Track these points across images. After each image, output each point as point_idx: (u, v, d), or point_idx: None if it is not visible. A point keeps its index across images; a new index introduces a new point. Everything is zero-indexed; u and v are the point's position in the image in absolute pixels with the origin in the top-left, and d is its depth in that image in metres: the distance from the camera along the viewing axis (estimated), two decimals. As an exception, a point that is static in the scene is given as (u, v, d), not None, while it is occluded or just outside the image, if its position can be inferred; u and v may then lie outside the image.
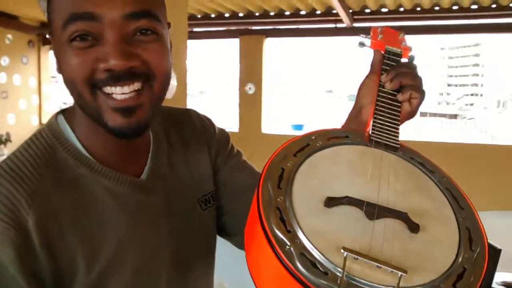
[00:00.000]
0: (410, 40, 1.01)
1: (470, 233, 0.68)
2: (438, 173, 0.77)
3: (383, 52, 0.94)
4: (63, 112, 0.78)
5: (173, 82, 3.04)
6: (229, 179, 0.93)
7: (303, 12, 5.21)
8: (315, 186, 0.68)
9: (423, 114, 39.78)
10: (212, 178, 0.92)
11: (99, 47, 0.64)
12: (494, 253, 1.67)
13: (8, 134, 5.41)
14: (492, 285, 1.72)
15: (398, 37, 0.98)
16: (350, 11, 4.95)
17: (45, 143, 0.72)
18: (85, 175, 0.71)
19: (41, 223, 0.64)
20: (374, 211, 0.64)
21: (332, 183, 0.69)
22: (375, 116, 0.83)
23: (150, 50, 0.67)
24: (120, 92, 0.66)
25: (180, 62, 3.30)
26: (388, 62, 0.92)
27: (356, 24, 5.22)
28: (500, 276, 1.87)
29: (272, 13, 5.32)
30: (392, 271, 0.58)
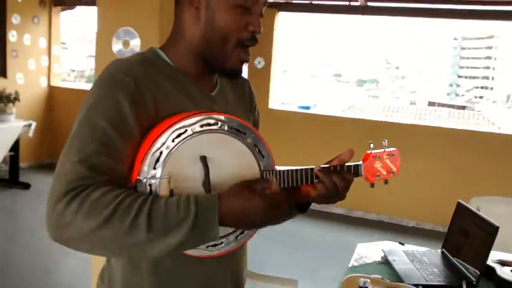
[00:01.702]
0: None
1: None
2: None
3: (360, 163, 1.10)
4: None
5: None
6: None
7: (318, -12, 5.16)
8: (205, 146, 0.96)
9: (432, 104, 39.50)
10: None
11: (249, 16, 1.02)
12: (492, 230, 1.69)
13: (17, 93, 5.41)
14: (488, 262, 1.75)
15: (386, 167, 1.13)
16: (366, -11, 4.90)
17: (145, 57, 1.04)
18: (176, 76, 1.05)
19: (150, 86, 0.98)
20: (206, 180, 0.95)
21: (216, 152, 0.97)
22: (294, 170, 1.04)
23: None
24: (248, 50, 1.08)
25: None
26: (347, 169, 1.08)
27: (370, 3, 5.17)
28: (496, 255, 1.90)
29: (286, -13, 5.27)
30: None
